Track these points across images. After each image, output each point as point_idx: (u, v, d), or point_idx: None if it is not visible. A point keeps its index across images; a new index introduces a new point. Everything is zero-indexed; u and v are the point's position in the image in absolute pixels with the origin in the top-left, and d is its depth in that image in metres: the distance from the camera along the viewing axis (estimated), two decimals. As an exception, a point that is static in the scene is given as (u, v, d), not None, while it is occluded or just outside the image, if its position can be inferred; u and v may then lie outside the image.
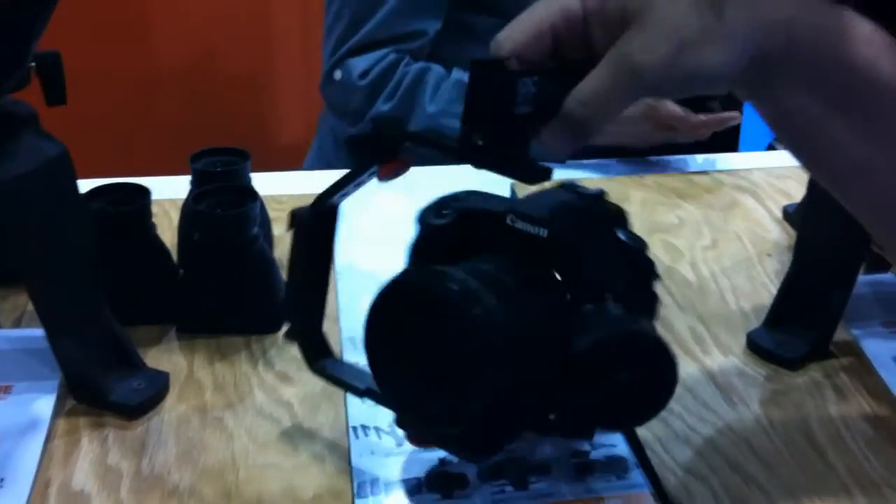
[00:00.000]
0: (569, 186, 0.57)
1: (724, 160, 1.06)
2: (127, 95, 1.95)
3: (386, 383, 0.53)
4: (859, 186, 0.51)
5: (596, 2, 0.50)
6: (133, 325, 0.70)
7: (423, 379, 0.50)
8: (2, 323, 0.72)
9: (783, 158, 1.08)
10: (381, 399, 0.57)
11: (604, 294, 0.52)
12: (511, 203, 0.56)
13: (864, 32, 0.48)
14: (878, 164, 0.49)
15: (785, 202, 0.95)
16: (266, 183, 0.84)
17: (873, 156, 0.49)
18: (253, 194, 0.72)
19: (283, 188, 0.94)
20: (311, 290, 0.60)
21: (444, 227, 0.57)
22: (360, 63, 1.15)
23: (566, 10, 0.51)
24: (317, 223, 0.59)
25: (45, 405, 0.62)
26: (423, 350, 0.50)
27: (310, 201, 0.90)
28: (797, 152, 0.52)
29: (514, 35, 0.51)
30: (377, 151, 0.55)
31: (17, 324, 0.72)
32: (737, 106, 1.04)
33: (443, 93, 1.12)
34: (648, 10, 0.48)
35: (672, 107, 1.01)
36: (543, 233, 0.52)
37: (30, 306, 0.74)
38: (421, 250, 0.58)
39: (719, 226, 0.91)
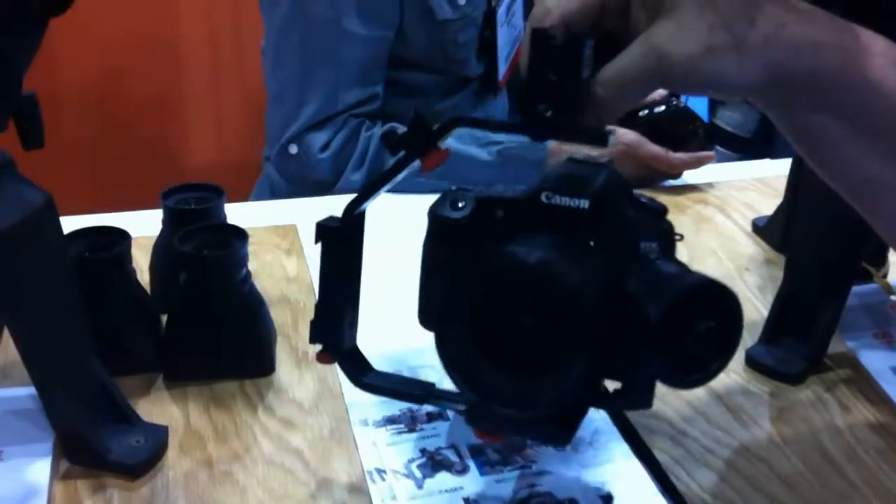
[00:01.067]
0: (572, 159, 0.56)
1: (685, 176, 1.06)
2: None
3: (466, 378, 0.51)
4: (881, 202, 0.52)
5: None
6: (118, 376, 0.66)
7: (512, 365, 0.49)
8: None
9: (743, 171, 1.10)
10: (450, 396, 0.55)
11: (648, 256, 0.52)
12: (537, 183, 0.54)
13: (882, 51, 0.49)
14: None
15: (751, 215, 0.96)
16: (228, 212, 0.80)
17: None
18: (241, 233, 0.69)
19: (246, 219, 0.90)
20: (345, 304, 0.58)
21: (464, 218, 0.56)
22: (318, 137, 1.10)
23: None
24: (347, 233, 0.56)
25: (40, 469, 0.58)
26: (516, 334, 0.49)
27: (272, 233, 0.87)
28: (817, 166, 0.52)
29: (562, 1, 0.51)
30: (419, 145, 0.53)
31: (-12, 381, 0.67)
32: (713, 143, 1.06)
33: None
34: (686, 4, 0.48)
35: (651, 147, 1.01)
36: (585, 204, 0.51)
37: (-1, 361, 0.69)
38: (442, 244, 0.57)
39: (693, 243, 0.92)
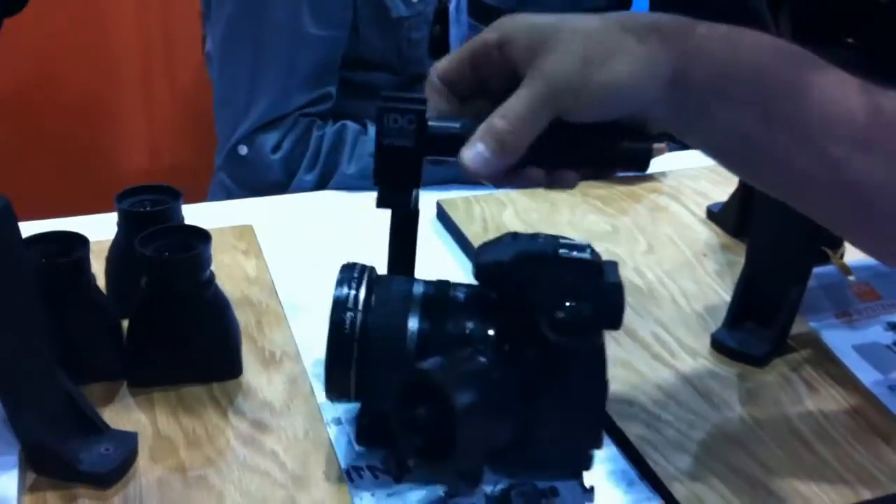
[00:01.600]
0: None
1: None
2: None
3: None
4: (791, 182, 0.55)
5: (511, 33, 0.53)
6: (80, 385, 0.64)
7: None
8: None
9: (692, 160, 1.11)
10: None
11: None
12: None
13: (753, 39, 0.53)
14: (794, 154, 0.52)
15: (704, 202, 0.97)
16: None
17: (790, 146, 0.52)
18: (204, 235, 0.67)
19: (201, 219, 0.89)
20: None
21: None
22: (269, 138, 1.07)
23: (484, 42, 0.54)
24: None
25: (7, 483, 0.56)
26: None
27: (228, 234, 0.85)
28: (737, 169, 0.57)
29: (441, 63, 0.56)
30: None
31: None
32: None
33: (360, 152, 1.06)
34: (557, 32, 0.52)
35: None
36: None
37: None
38: None
39: (650, 231, 0.92)
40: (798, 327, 0.74)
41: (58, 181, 1.81)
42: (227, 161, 1.11)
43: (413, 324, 0.54)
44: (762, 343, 0.73)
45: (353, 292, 0.55)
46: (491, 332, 0.54)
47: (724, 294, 0.81)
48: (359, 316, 0.54)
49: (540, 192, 1.00)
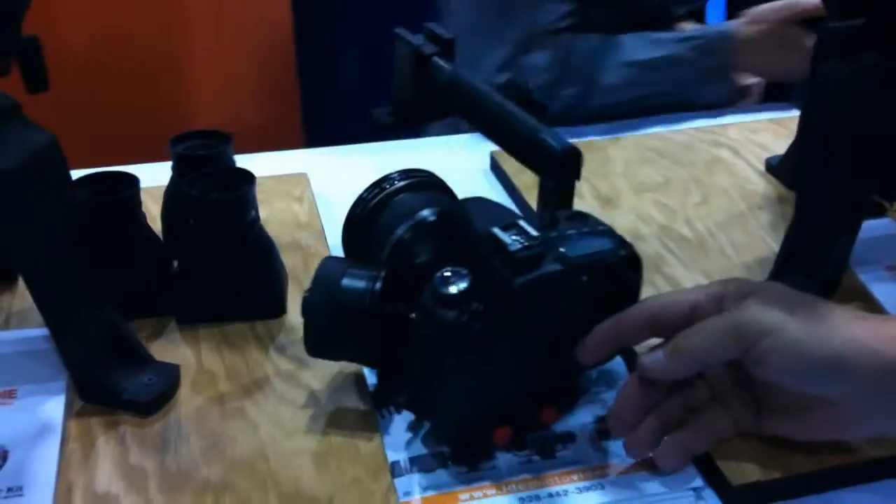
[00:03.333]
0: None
1: (697, 118, 1.06)
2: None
3: None
4: None
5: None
6: (130, 320, 0.67)
7: None
8: (-12, 326, 0.68)
9: (757, 113, 1.09)
10: None
11: None
12: None
13: None
14: None
15: (763, 154, 0.95)
16: (239, 164, 0.81)
17: None
18: (248, 177, 0.69)
19: (257, 169, 0.91)
20: None
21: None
22: (531, 59, 1.05)
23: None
24: None
25: (54, 408, 0.59)
26: None
27: (283, 182, 0.87)
28: None
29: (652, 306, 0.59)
30: None
31: (4, 325, 0.68)
32: None
33: (612, 63, 1.06)
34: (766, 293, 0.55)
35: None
36: None
37: (14, 307, 0.70)
38: None
39: (705, 182, 0.91)
40: (847, 279, 0.73)
41: (127, 139, 1.87)
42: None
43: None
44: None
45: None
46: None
47: (775, 247, 0.79)
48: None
49: (594, 143, 0.99)
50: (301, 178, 0.91)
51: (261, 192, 0.86)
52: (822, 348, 0.52)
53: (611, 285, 0.58)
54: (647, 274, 0.76)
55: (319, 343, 0.60)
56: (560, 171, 0.55)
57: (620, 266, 0.58)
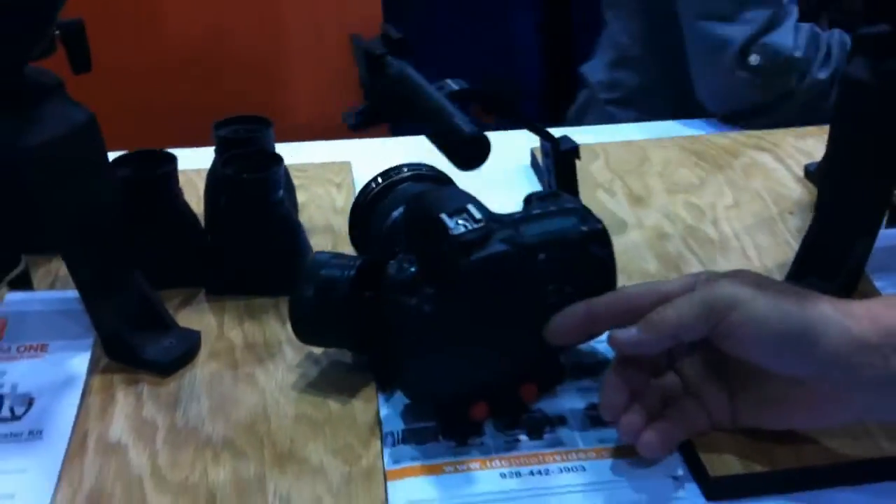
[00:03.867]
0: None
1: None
2: (140, 74, 1.95)
3: None
4: None
5: None
6: (164, 289, 0.71)
7: None
8: (36, 288, 0.74)
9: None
10: None
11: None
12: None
13: None
14: None
15: (804, 160, 0.95)
16: (289, 152, 0.85)
17: None
18: (277, 159, 0.73)
19: (306, 157, 0.95)
20: None
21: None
22: (780, 37, 1.01)
23: None
24: None
25: (80, 363, 0.64)
26: None
27: (326, 169, 0.91)
28: None
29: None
30: None
31: (51, 288, 0.74)
32: None
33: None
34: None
35: None
36: None
37: (62, 272, 0.75)
38: None
39: (741, 185, 0.91)
40: (863, 286, 0.73)
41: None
42: (721, 76, 1.05)
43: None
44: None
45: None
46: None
47: (798, 251, 0.79)
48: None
49: (634, 143, 1.00)
50: (344, 167, 0.94)
51: (303, 178, 0.91)
52: (788, 320, 0.52)
53: (575, 261, 0.59)
54: (665, 271, 0.78)
55: (305, 332, 0.64)
56: (464, 156, 0.57)
57: (581, 241, 0.60)
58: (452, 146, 0.56)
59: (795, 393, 0.55)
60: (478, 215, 0.57)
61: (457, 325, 0.57)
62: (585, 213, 0.61)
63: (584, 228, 0.60)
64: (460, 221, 0.56)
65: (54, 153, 0.59)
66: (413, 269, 0.56)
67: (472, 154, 0.56)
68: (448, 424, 0.60)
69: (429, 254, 0.57)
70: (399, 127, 1.14)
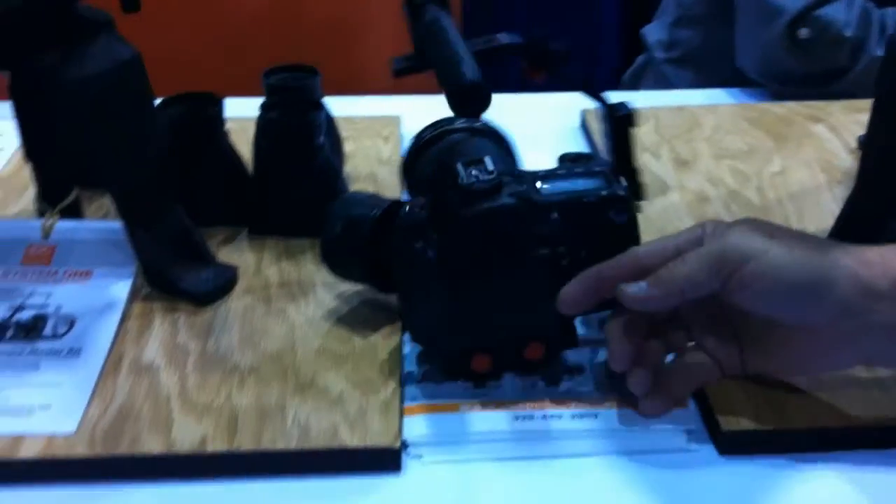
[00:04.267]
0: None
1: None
2: (215, 27, 1.98)
3: None
4: None
5: None
6: (209, 227, 0.74)
7: None
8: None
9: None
10: None
11: None
12: None
13: None
14: None
15: (860, 132, 0.93)
16: (340, 104, 0.87)
17: None
18: (319, 105, 0.75)
19: (356, 110, 0.97)
20: None
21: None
22: (834, 11, 0.97)
23: None
24: None
25: (121, 289, 0.67)
26: None
27: (376, 123, 0.92)
28: None
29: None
30: None
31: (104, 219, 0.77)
32: None
33: None
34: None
35: None
36: None
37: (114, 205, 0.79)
38: None
39: (790, 154, 0.90)
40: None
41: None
42: (767, 48, 1.03)
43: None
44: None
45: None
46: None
47: (841, 221, 0.78)
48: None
49: (686, 108, 1.00)
50: (392, 121, 0.96)
51: (352, 130, 0.92)
52: (803, 270, 0.52)
53: (591, 225, 0.58)
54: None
55: (332, 265, 0.66)
56: (459, 101, 0.57)
57: (600, 205, 0.58)
58: (451, 90, 0.57)
59: (803, 340, 0.55)
60: (490, 167, 0.57)
61: (458, 273, 0.57)
62: (610, 178, 0.59)
63: (605, 193, 0.58)
64: (473, 172, 0.57)
65: (99, 86, 0.62)
66: (424, 214, 0.57)
67: (467, 100, 0.56)
68: (449, 371, 0.61)
69: (438, 200, 0.57)
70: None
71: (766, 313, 0.54)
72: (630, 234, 0.59)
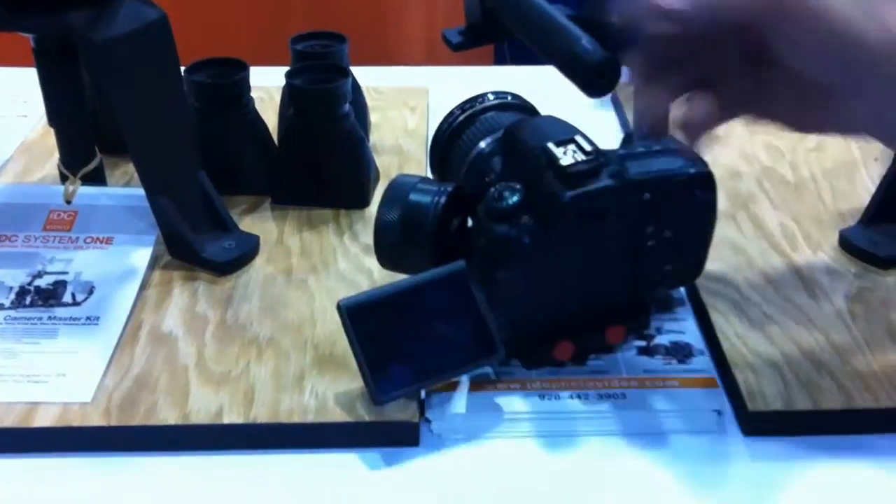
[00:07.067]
0: None
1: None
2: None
3: None
4: None
5: None
6: (232, 195, 0.73)
7: None
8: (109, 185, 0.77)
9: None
10: None
11: None
12: None
13: None
14: None
15: (901, 110, 0.90)
16: (369, 74, 0.86)
17: None
18: (343, 72, 0.73)
19: (384, 80, 0.96)
20: None
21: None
22: None
23: None
24: None
25: (142, 257, 0.66)
26: None
27: (404, 93, 0.90)
28: None
29: None
30: None
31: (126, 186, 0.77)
32: None
33: None
34: None
35: None
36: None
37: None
38: None
39: (826, 130, 0.88)
40: (939, 235, 0.70)
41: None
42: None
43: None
44: (892, 244, 0.69)
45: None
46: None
47: (877, 198, 0.76)
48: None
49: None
50: (420, 91, 0.95)
51: (379, 101, 0.91)
52: (868, 34, 0.47)
53: (678, 204, 0.56)
54: (733, 209, 0.76)
55: (390, 257, 0.62)
56: (593, 82, 0.55)
57: (688, 184, 0.56)
58: (580, 72, 0.55)
59: (824, 95, 0.51)
60: (587, 147, 0.55)
61: (553, 259, 0.55)
62: (692, 155, 0.57)
63: (692, 171, 0.55)
64: (568, 152, 0.55)
65: (125, 48, 0.61)
66: (514, 199, 0.54)
67: (600, 80, 0.54)
68: (530, 362, 0.59)
69: (532, 184, 0.55)
70: (501, 53, 1.12)
71: (798, 65, 0.50)
72: (713, 213, 0.57)
